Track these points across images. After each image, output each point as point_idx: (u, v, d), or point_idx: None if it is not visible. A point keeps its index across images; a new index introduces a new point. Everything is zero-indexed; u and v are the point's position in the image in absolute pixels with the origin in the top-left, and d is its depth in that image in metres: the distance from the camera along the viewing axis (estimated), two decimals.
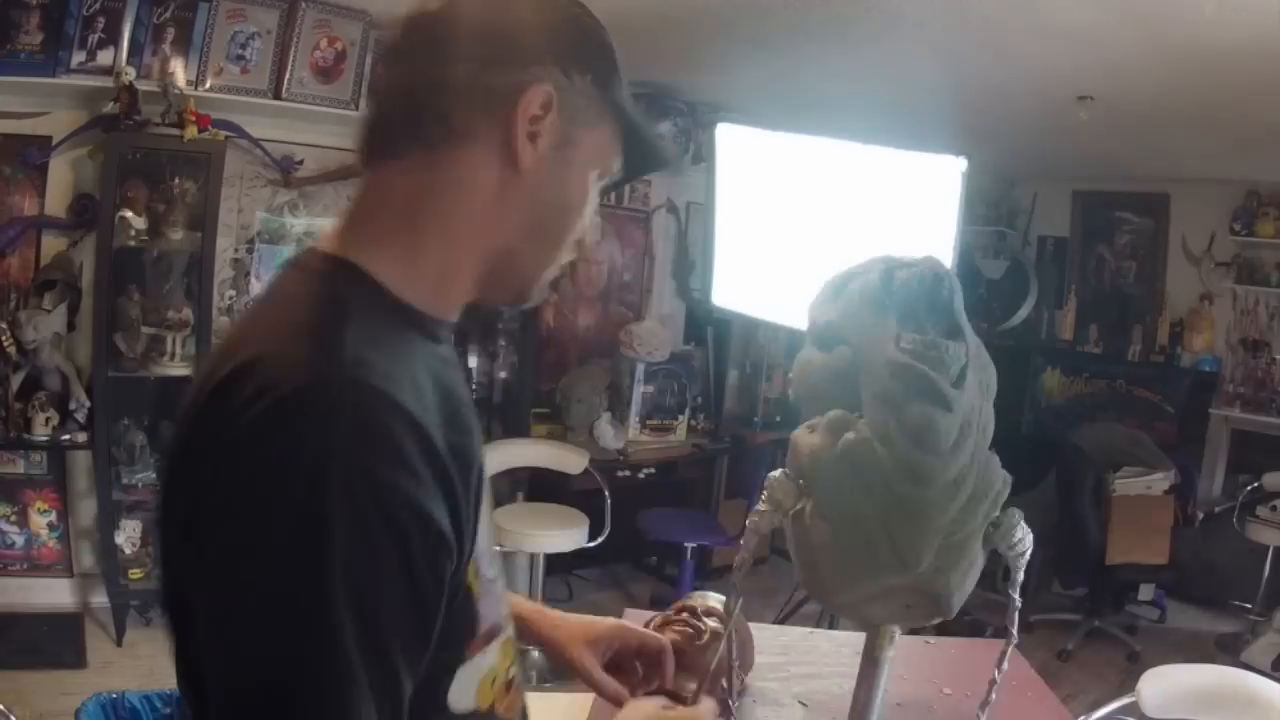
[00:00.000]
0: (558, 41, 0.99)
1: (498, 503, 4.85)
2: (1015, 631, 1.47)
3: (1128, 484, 5.23)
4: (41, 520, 4.33)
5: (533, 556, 4.56)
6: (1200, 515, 5.91)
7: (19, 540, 4.30)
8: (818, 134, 3.97)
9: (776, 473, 1.43)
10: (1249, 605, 5.44)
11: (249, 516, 0.79)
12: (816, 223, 3.92)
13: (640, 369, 5.62)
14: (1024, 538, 1.40)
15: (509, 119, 0.96)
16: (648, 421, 5.71)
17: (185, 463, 0.88)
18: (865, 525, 1.32)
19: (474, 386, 5.39)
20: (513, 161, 0.97)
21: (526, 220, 1.01)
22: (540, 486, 5.08)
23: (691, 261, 6.35)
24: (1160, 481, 5.33)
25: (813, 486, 1.38)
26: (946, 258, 3.49)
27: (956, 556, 1.36)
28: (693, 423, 5.96)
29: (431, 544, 0.84)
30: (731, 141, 4.55)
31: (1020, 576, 1.43)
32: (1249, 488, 5.45)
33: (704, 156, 5.87)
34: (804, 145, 4.05)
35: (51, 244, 4.24)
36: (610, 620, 1.49)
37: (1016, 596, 1.45)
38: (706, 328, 6.35)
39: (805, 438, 1.41)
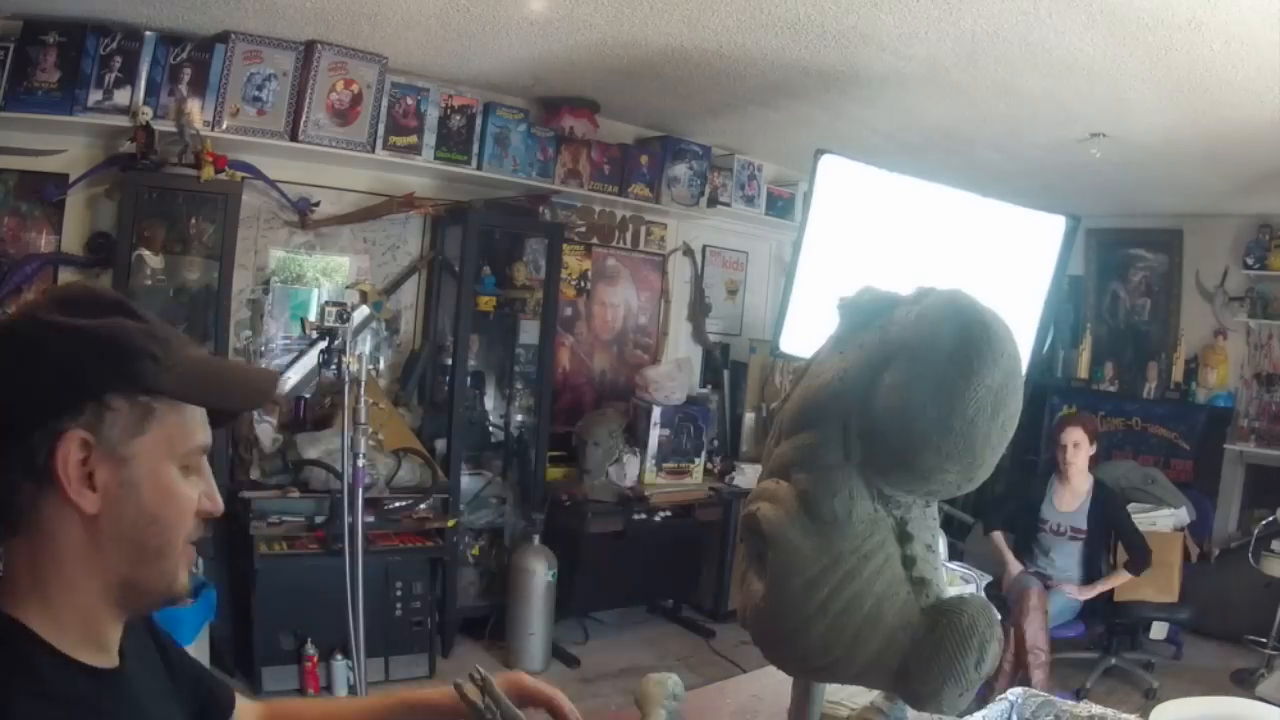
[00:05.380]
0: (69, 377, 0.94)
1: (514, 544, 4.85)
2: None
3: (1135, 521, 5.19)
4: None
5: None
6: (1216, 551, 5.88)
7: None
8: (922, 178, 3.70)
9: None
10: (1264, 639, 5.38)
11: None
12: (901, 266, 3.47)
13: (656, 412, 5.57)
14: None
15: (54, 479, 0.93)
16: (664, 465, 5.65)
17: None
18: None
19: (490, 429, 5.39)
20: (80, 512, 0.95)
21: (126, 551, 0.98)
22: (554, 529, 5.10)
23: (708, 304, 6.37)
24: (1167, 518, 5.29)
25: None
26: (1037, 310, 3.54)
27: None
28: (709, 466, 5.91)
29: None
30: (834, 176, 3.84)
31: None
32: (1264, 522, 5.39)
33: (717, 199, 5.91)
34: (900, 185, 3.71)
35: (68, 281, 4.25)
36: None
37: None
38: (723, 370, 6.36)
39: None
